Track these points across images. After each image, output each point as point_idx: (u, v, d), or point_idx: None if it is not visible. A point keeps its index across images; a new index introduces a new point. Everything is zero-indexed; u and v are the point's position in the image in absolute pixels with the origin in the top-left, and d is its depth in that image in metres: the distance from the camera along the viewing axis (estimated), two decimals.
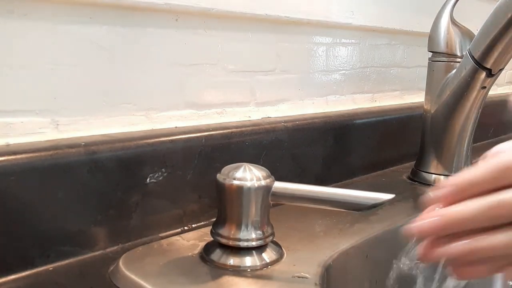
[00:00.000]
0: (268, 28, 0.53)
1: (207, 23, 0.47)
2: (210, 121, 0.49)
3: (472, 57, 0.53)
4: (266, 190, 0.37)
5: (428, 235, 0.28)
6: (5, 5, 0.35)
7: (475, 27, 0.54)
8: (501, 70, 0.53)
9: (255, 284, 0.35)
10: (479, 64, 0.52)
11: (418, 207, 0.53)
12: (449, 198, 0.27)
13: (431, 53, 0.61)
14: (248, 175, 0.36)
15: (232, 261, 0.37)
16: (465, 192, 0.27)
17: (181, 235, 0.43)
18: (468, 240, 0.26)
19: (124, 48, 0.42)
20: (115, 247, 0.40)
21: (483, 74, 0.53)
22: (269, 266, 0.37)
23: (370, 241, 0.45)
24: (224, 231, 0.37)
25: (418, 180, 0.63)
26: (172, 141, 0.43)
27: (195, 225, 0.45)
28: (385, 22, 0.68)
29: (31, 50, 0.37)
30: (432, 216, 0.27)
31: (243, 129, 0.49)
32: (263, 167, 0.38)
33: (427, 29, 0.61)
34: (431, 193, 0.29)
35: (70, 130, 0.40)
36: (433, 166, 0.62)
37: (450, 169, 0.61)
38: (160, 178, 0.42)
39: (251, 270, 0.37)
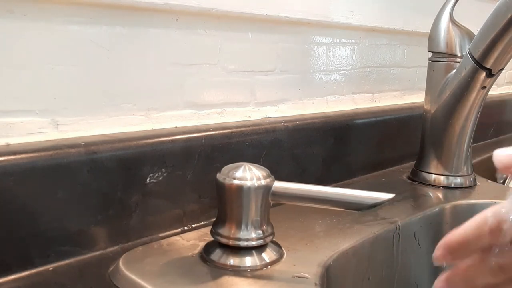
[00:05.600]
0: (268, 28, 0.53)
1: (207, 23, 0.47)
2: (210, 121, 0.49)
3: (472, 57, 0.53)
4: (266, 189, 0.37)
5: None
6: (5, 5, 0.35)
7: (475, 27, 0.54)
8: (501, 70, 0.53)
9: (255, 284, 0.35)
10: (479, 64, 0.52)
11: (418, 207, 0.53)
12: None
13: (431, 53, 0.61)
14: (248, 175, 0.36)
15: (232, 261, 0.37)
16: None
17: (181, 235, 0.43)
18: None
19: (124, 48, 0.42)
20: (115, 247, 0.40)
21: (483, 74, 0.53)
22: (269, 266, 0.37)
23: (370, 241, 0.45)
24: (224, 230, 0.37)
25: (418, 180, 0.63)
26: (172, 141, 0.43)
27: (195, 225, 0.45)
28: (385, 22, 0.68)
29: (31, 50, 0.37)
30: None
31: (243, 129, 0.49)
32: (263, 167, 0.38)
33: (427, 29, 0.61)
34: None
35: (70, 130, 0.40)
36: (433, 166, 0.62)
37: (450, 169, 0.61)
38: (160, 178, 0.42)
39: (251, 270, 0.37)
